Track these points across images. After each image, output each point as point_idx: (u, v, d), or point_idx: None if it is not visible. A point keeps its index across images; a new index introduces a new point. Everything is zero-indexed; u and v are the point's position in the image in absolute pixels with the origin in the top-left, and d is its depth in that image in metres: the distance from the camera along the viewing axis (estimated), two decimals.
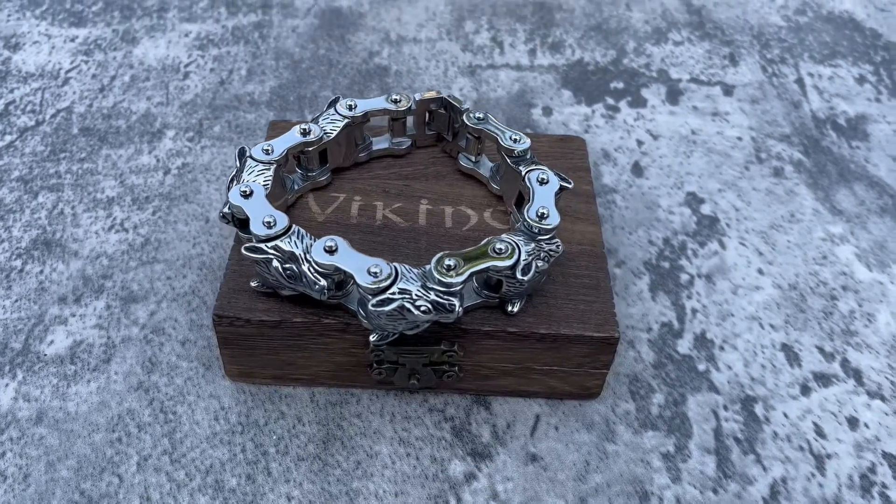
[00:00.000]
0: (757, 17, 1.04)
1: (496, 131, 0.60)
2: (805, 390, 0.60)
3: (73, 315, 0.62)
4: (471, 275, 0.49)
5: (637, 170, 0.79)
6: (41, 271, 0.65)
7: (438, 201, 0.62)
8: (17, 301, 0.63)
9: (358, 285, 0.48)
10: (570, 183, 0.57)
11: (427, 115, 0.64)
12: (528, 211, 0.54)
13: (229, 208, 0.53)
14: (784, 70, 0.94)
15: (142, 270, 0.66)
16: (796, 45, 0.98)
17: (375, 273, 0.48)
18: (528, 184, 0.56)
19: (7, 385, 0.57)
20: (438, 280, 0.48)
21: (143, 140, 0.78)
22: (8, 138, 0.77)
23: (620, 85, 0.90)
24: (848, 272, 0.70)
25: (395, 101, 0.63)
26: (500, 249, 0.50)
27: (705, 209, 0.75)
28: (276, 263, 0.50)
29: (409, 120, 0.65)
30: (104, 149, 0.77)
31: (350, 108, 0.61)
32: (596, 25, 1.00)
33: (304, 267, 0.50)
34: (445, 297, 0.48)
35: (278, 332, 0.54)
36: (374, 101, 0.62)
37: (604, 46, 0.96)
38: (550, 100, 0.87)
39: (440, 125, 0.65)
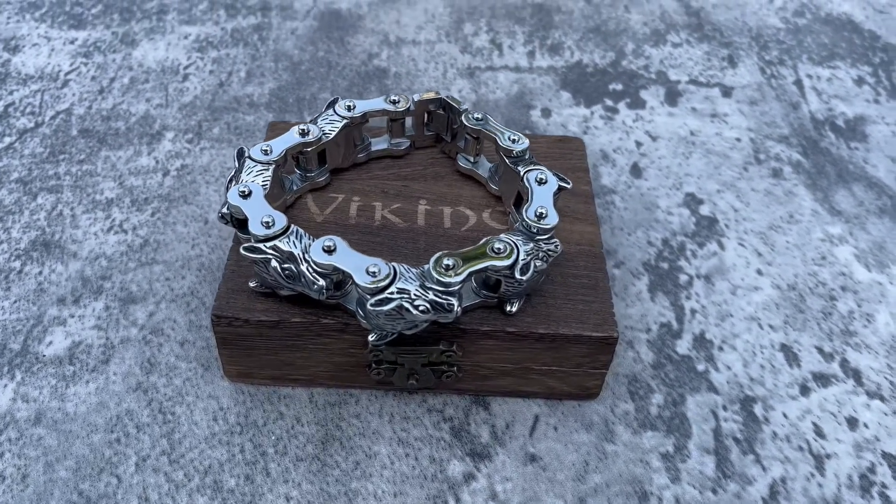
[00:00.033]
0: (755, 18, 1.04)
1: (495, 131, 0.60)
2: (804, 390, 0.60)
3: (72, 316, 0.62)
4: (469, 274, 0.49)
5: (636, 171, 0.79)
6: (40, 272, 0.65)
7: (437, 202, 0.62)
8: (15, 302, 0.63)
9: (356, 285, 0.48)
10: (568, 183, 0.57)
11: (426, 115, 0.65)
12: (526, 211, 0.54)
13: (228, 208, 0.53)
14: (783, 71, 0.94)
15: (141, 271, 0.66)
16: (795, 46, 0.99)
17: (374, 273, 0.48)
18: (526, 184, 0.56)
19: (6, 386, 0.57)
20: (437, 280, 0.48)
21: (142, 142, 0.78)
22: (7, 140, 0.78)
23: (619, 86, 0.90)
24: (847, 273, 0.70)
25: (394, 102, 0.63)
26: (499, 249, 0.50)
27: (704, 210, 0.75)
28: (274, 263, 0.50)
29: (408, 121, 0.65)
30: (103, 150, 0.77)
31: (349, 108, 0.61)
32: (595, 27, 1.00)
33: (303, 267, 0.50)
34: (444, 296, 0.48)
35: (277, 333, 0.53)
36: (373, 101, 0.62)
37: (602, 48, 0.96)
38: (549, 101, 0.87)
39: (439, 126, 0.65)
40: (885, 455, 0.57)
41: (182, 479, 0.53)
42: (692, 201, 0.76)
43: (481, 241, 0.51)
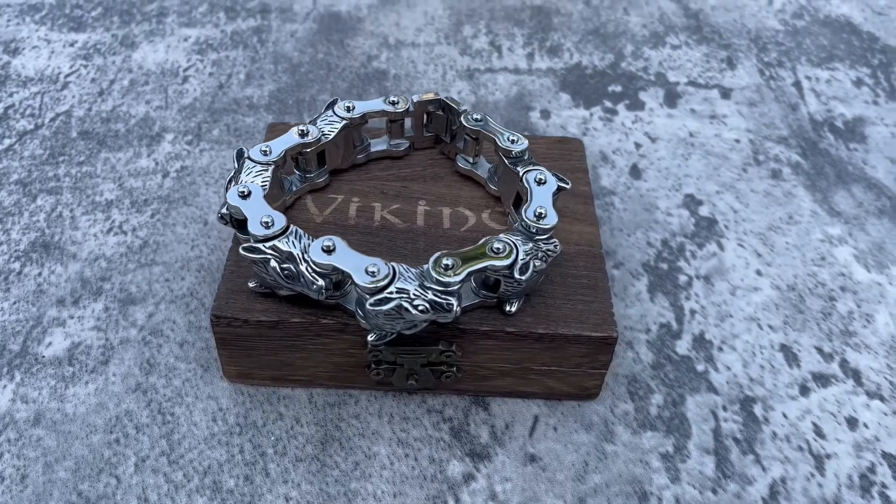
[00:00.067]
0: (754, 20, 1.04)
1: (494, 132, 0.60)
2: (804, 391, 0.60)
3: (72, 317, 0.62)
4: (468, 274, 0.49)
5: (635, 172, 0.79)
6: (39, 273, 0.65)
7: (436, 202, 0.62)
8: (15, 303, 0.63)
9: (356, 285, 0.48)
10: (567, 183, 0.57)
11: (425, 116, 0.65)
12: (525, 211, 0.54)
13: (227, 209, 0.53)
14: (781, 73, 0.94)
15: (140, 273, 0.66)
16: (793, 48, 0.99)
17: (373, 272, 0.48)
18: (525, 184, 0.56)
19: (5, 387, 0.57)
20: (436, 279, 0.48)
21: (141, 143, 0.78)
22: (7, 142, 0.78)
23: (618, 88, 0.90)
24: (846, 273, 0.70)
25: (393, 103, 0.63)
26: (498, 249, 0.50)
27: (703, 211, 0.75)
28: (273, 263, 0.50)
29: (407, 122, 0.65)
30: (103, 152, 0.77)
31: (348, 109, 0.61)
32: (594, 29, 1.00)
33: (302, 267, 0.50)
34: (443, 296, 0.48)
35: (276, 333, 0.53)
36: (372, 102, 0.63)
37: (602, 50, 0.96)
38: (549, 103, 0.87)
39: (438, 127, 0.65)
40: (885, 455, 0.56)
41: (181, 479, 0.52)
42: (691, 202, 0.76)
43: (480, 241, 0.51)
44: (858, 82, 0.93)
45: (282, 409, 0.57)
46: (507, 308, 0.53)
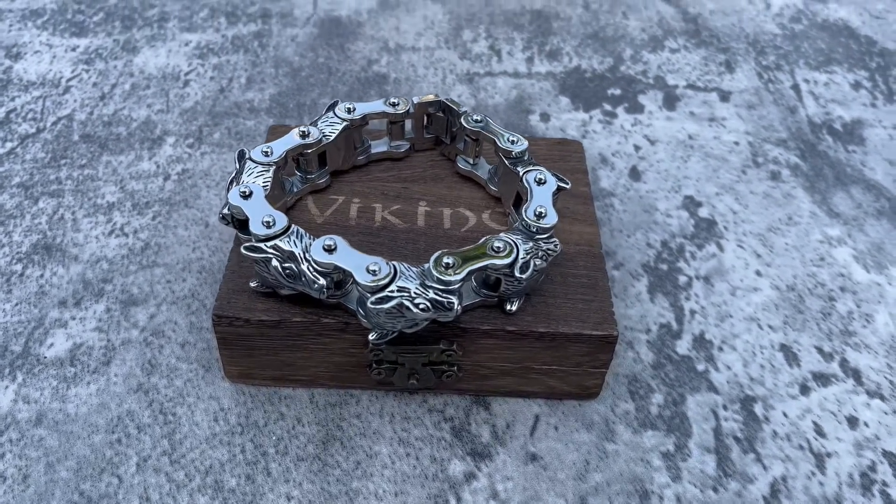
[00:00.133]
0: (752, 24, 1.04)
1: (494, 133, 0.60)
2: (804, 390, 0.60)
3: (73, 318, 0.62)
4: (469, 273, 0.49)
5: (635, 174, 0.79)
6: (41, 275, 0.65)
7: (437, 203, 0.62)
8: (17, 304, 0.63)
9: (357, 283, 0.48)
10: (567, 183, 0.57)
11: (425, 118, 0.65)
12: (526, 210, 0.54)
13: (229, 209, 0.54)
14: (780, 76, 0.94)
15: (142, 274, 0.66)
16: (792, 52, 0.99)
17: (374, 271, 0.48)
18: (525, 184, 0.56)
19: (7, 387, 0.57)
20: (437, 278, 0.48)
21: (143, 146, 0.79)
22: (9, 145, 0.78)
23: (618, 91, 0.91)
24: (846, 273, 0.70)
25: (394, 105, 0.63)
26: (499, 248, 0.50)
27: (703, 212, 0.75)
28: (275, 263, 0.50)
29: (408, 123, 0.66)
30: (104, 155, 0.77)
31: (349, 111, 0.62)
32: (593, 34, 1.01)
33: (304, 266, 0.50)
34: (444, 295, 0.48)
35: (278, 332, 0.54)
36: (373, 104, 0.63)
37: (601, 54, 0.97)
38: (548, 106, 0.87)
39: (438, 128, 0.65)
40: (886, 453, 0.57)
41: (183, 479, 0.53)
42: (691, 204, 0.76)
43: (481, 240, 0.51)
44: (856, 85, 0.94)
45: (283, 409, 0.57)
46: (508, 307, 0.53)
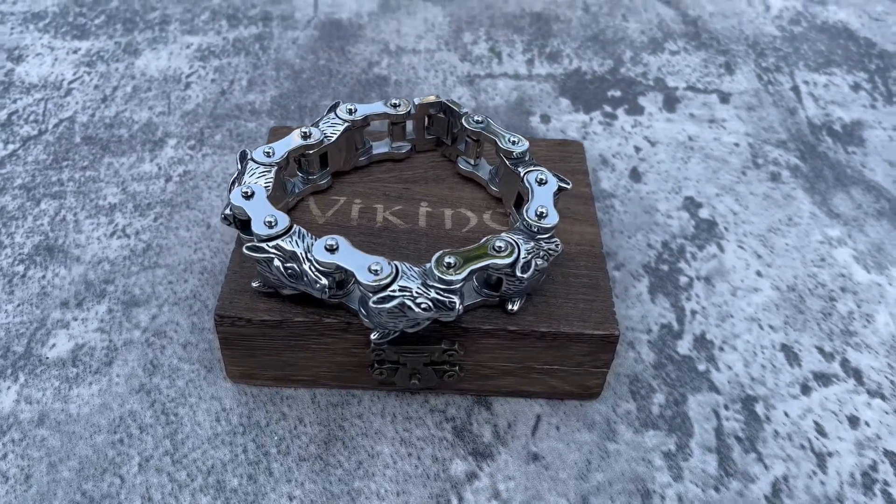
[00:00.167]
0: (752, 27, 1.05)
1: (495, 134, 0.60)
2: (805, 390, 0.60)
3: (75, 319, 0.62)
4: (470, 272, 0.49)
5: (635, 175, 0.79)
6: (43, 276, 0.65)
7: (438, 204, 0.62)
8: (19, 305, 0.63)
9: (359, 283, 0.48)
10: (568, 183, 0.57)
11: (426, 119, 0.65)
12: (527, 210, 0.54)
13: (231, 209, 0.54)
14: (779, 78, 0.95)
15: (143, 275, 0.66)
16: (791, 53, 0.99)
17: (376, 270, 0.49)
18: (526, 184, 0.57)
19: (9, 388, 0.57)
20: (439, 278, 0.48)
21: (144, 148, 0.79)
22: (11, 147, 0.78)
23: (618, 93, 0.91)
24: (846, 274, 0.70)
25: (395, 106, 0.63)
26: (500, 247, 0.51)
27: (703, 213, 0.75)
28: (277, 262, 0.51)
29: (409, 125, 0.66)
30: (106, 157, 0.77)
31: (350, 112, 0.62)
32: (593, 36, 1.01)
33: (306, 266, 0.50)
34: (446, 294, 0.49)
35: (280, 332, 0.54)
36: (374, 105, 0.63)
37: (601, 56, 0.97)
38: (548, 108, 0.88)
39: (439, 129, 0.65)
40: (887, 453, 0.57)
41: (185, 478, 0.53)
42: (691, 205, 0.76)
43: (482, 240, 0.51)
44: (856, 87, 0.94)
45: (285, 409, 0.57)
46: (510, 307, 0.53)
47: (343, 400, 0.58)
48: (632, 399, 0.59)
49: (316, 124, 0.61)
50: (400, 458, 0.55)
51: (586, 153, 0.80)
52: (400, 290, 0.48)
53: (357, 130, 0.63)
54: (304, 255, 0.50)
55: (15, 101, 0.84)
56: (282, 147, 0.59)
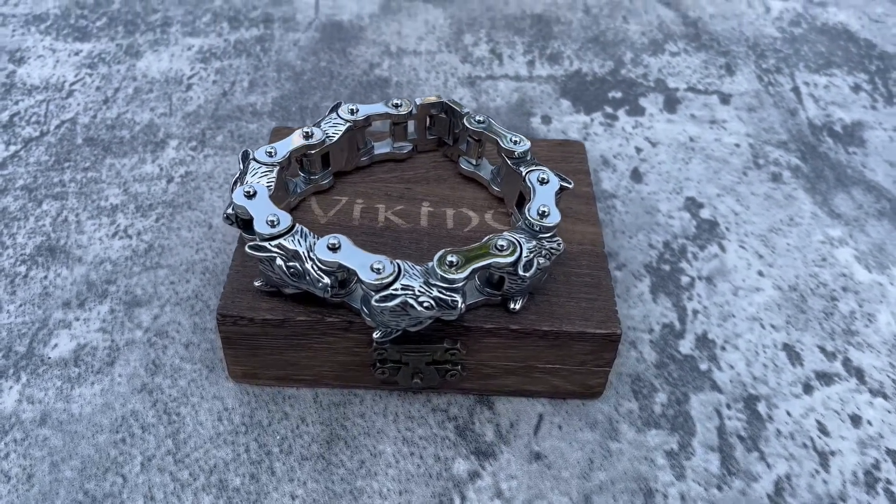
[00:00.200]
0: (752, 28, 1.05)
1: (497, 134, 0.60)
2: (807, 389, 0.60)
3: (77, 319, 0.62)
4: (473, 271, 0.49)
5: (636, 176, 0.79)
6: (45, 277, 0.65)
7: (440, 203, 0.62)
8: (21, 306, 0.63)
9: (361, 282, 0.49)
10: (570, 183, 0.57)
11: (428, 119, 0.65)
12: (529, 210, 0.54)
13: (233, 209, 0.54)
14: (780, 79, 0.95)
15: (145, 275, 0.66)
16: (791, 55, 1.00)
17: (378, 269, 0.49)
18: (528, 184, 0.57)
19: (11, 388, 0.57)
20: (441, 276, 0.48)
21: (146, 149, 0.79)
22: (13, 148, 0.78)
23: (618, 94, 0.91)
24: (847, 274, 0.70)
25: (397, 106, 0.63)
26: (502, 246, 0.51)
27: (704, 213, 0.75)
28: (279, 262, 0.51)
29: (411, 125, 0.66)
30: (108, 158, 0.78)
31: (352, 112, 0.62)
32: (593, 37, 1.01)
33: (308, 265, 0.50)
34: (448, 293, 0.49)
35: (282, 332, 0.54)
36: (376, 105, 0.63)
37: (601, 57, 0.97)
38: (549, 109, 0.88)
39: (441, 129, 0.65)
40: (890, 452, 0.57)
41: (187, 478, 0.53)
42: (692, 205, 0.76)
43: (484, 239, 0.51)
44: (856, 88, 0.94)
45: (287, 408, 0.57)
46: (512, 306, 0.53)
47: (345, 399, 0.58)
48: (634, 398, 0.59)
49: (318, 124, 0.62)
50: (402, 457, 0.55)
51: (587, 154, 0.80)
52: (402, 289, 0.48)
53: (359, 131, 0.63)
54: (306, 254, 0.50)
55: (17, 103, 0.84)
56: (284, 147, 0.59)
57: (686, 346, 0.63)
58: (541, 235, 0.53)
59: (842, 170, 0.82)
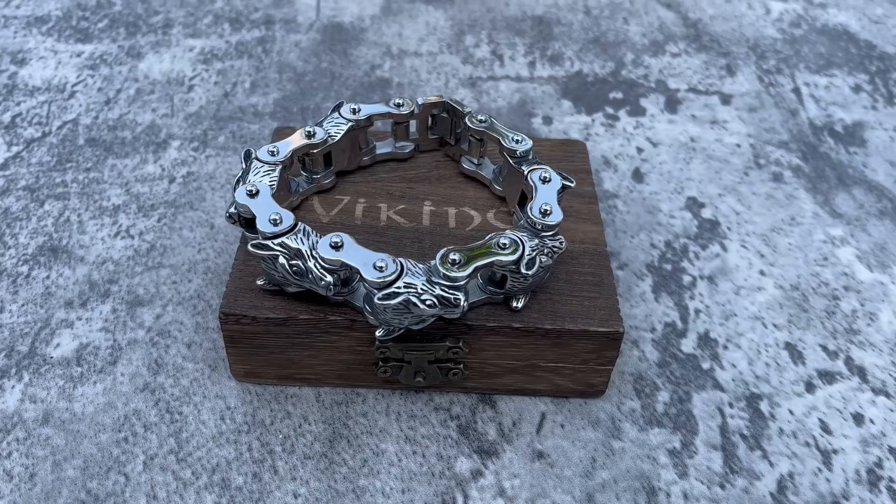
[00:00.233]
0: (752, 29, 1.05)
1: (499, 133, 0.60)
2: (810, 387, 0.60)
3: (80, 319, 0.62)
4: (475, 269, 0.49)
5: (637, 176, 0.79)
6: (47, 276, 0.65)
7: (442, 203, 0.62)
8: (23, 305, 0.63)
9: (364, 280, 0.49)
10: (572, 181, 0.57)
11: (430, 119, 0.65)
12: (531, 208, 0.54)
13: (235, 208, 0.54)
14: (780, 80, 0.95)
15: (147, 275, 0.66)
16: (792, 56, 1.00)
17: (381, 267, 0.49)
18: (530, 182, 0.57)
19: (13, 387, 0.57)
20: (444, 275, 0.49)
21: (148, 150, 0.79)
22: (15, 149, 0.78)
23: (619, 95, 0.91)
24: (849, 273, 0.70)
25: (398, 106, 0.63)
26: (504, 244, 0.51)
27: (706, 213, 0.75)
28: (282, 260, 0.51)
29: (413, 125, 0.66)
30: (110, 159, 0.78)
31: (354, 111, 0.62)
32: (594, 39, 1.01)
33: (311, 263, 0.50)
34: (451, 291, 0.49)
35: (284, 330, 0.54)
36: (378, 105, 0.63)
37: (602, 59, 0.97)
38: (550, 109, 0.88)
39: (443, 129, 0.65)
40: (892, 450, 0.57)
41: (190, 477, 0.53)
42: (694, 205, 0.76)
43: (487, 237, 0.51)
44: (857, 88, 0.94)
45: (289, 407, 0.57)
46: (514, 304, 0.53)
47: (348, 398, 0.58)
48: (636, 397, 0.59)
49: (320, 124, 0.62)
50: (405, 455, 0.55)
51: (589, 154, 0.80)
52: (405, 287, 0.48)
53: (361, 130, 0.63)
54: (308, 253, 0.50)
55: (19, 104, 0.84)
56: (286, 146, 0.59)
57: (688, 344, 0.63)
58: (543, 234, 0.53)
59: (843, 170, 0.82)
